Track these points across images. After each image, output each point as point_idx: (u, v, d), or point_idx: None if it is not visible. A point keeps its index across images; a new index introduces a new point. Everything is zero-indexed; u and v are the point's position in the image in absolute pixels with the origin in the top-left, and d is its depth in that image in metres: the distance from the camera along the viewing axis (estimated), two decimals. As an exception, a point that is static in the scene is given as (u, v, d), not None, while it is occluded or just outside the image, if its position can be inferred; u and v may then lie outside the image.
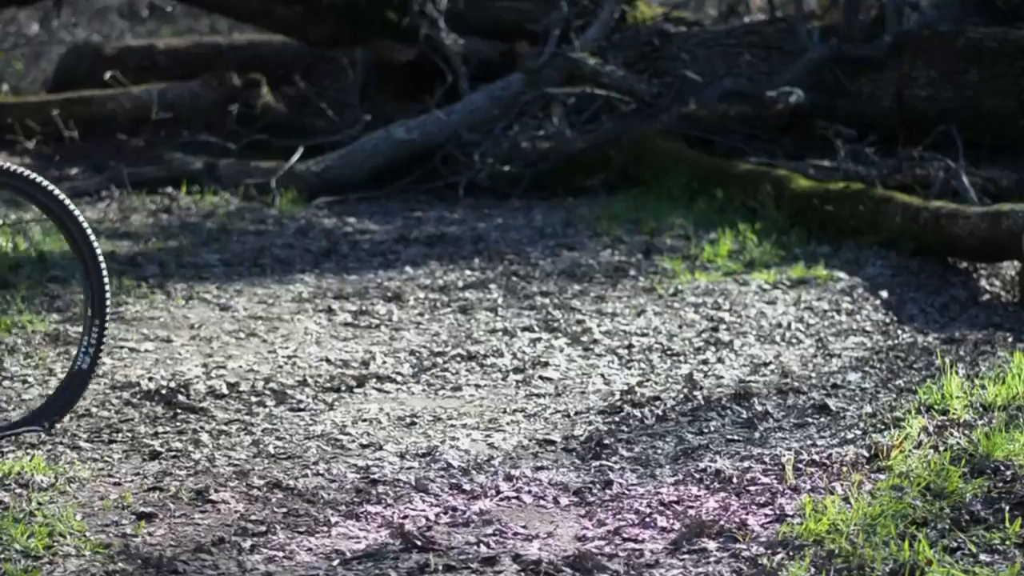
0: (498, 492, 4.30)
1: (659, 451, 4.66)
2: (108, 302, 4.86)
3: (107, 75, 10.54)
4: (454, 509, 4.17)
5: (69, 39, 12.88)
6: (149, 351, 5.72)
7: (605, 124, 9.14)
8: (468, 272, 7.08)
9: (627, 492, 4.29)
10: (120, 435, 4.78)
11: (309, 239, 7.78)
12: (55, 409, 4.85)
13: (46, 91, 11.49)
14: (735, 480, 4.32)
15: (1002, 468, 4.21)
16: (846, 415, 4.93)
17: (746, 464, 4.47)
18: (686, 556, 3.82)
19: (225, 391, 5.21)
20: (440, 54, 9.71)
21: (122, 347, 5.74)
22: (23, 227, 7.71)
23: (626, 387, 5.31)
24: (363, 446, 4.70)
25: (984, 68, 8.62)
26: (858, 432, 4.73)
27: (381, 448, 4.67)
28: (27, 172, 4.74)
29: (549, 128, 9.14)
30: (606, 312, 6.33)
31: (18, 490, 4.23)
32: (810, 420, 4.91)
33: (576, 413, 5.05)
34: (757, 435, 4.78)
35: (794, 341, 5.89)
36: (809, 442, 4.67)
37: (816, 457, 4.49)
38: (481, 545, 3.90)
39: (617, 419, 4.97)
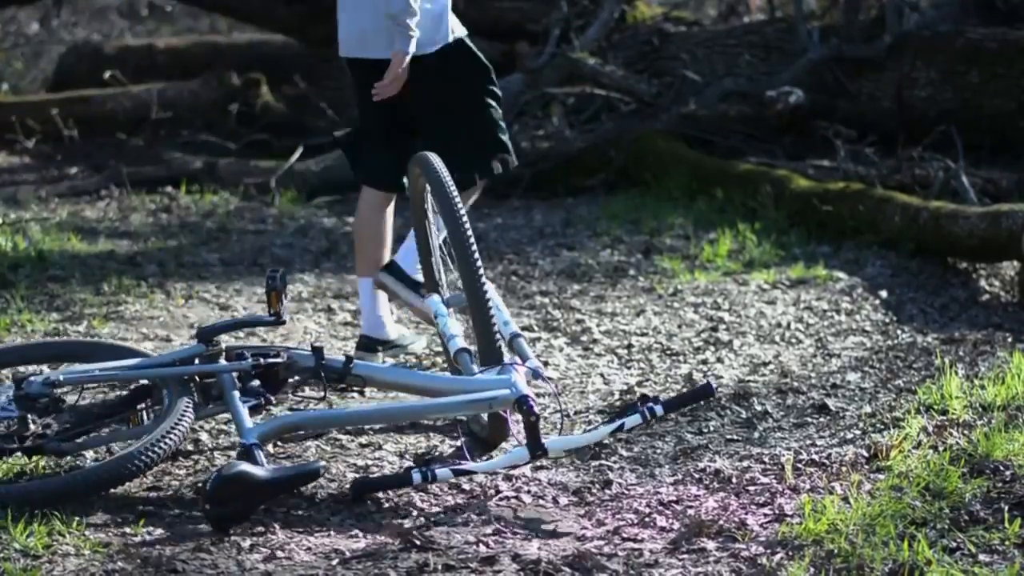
0: (497, 492, 4.30)
1: (658, 451, 4.66)
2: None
3: (107, 74, 10.56)
4: (453, 508, 4.17)
5: (69, 38, 12.91)
6: (149, 350, 5.71)
7: (605, 124, 9.15)
8: (468, 272, 7.07)
9: (626, 492, 4.29)
10: (120, 434, 4.77)
11: (309, 239, 7.79)
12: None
13: (46, 90, 11.51)
14: (734, 480, 4.33)
15: (1001, 468, 4.22)
16: (845, 415, 4.93)
17: (745, 464, 4.47)
18: (685, 556, 3.82)
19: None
20: (440, 54, 9.70)
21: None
22: (23, 226, 7.71)
23: (625, 387, 5.32)
24: (362, 445, 4.70)
25: (984, 69, 8.63)
26: (857, 432, 4.73)
27: (380, 448, 4.68)
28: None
29: (549, 128, 9.15)
30: (605, 312, 6.33)
31: (17, 489, 4.22)
32: (809, 420, 4.91)
33: (575, 413, 5.05)
34: (756, 435, 4.78)
35: (793, 341, 5.89)
36: (808, 442, 4.68)
37: (815, 457, 4.49)
38: (480, 545, 3.91)
39: (616, 419, 4.96)
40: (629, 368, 5.57)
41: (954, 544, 3.78)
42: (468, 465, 4.28)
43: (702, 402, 4.75)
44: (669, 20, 10.01)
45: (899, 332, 6.00)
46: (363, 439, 4.75)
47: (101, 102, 10.40)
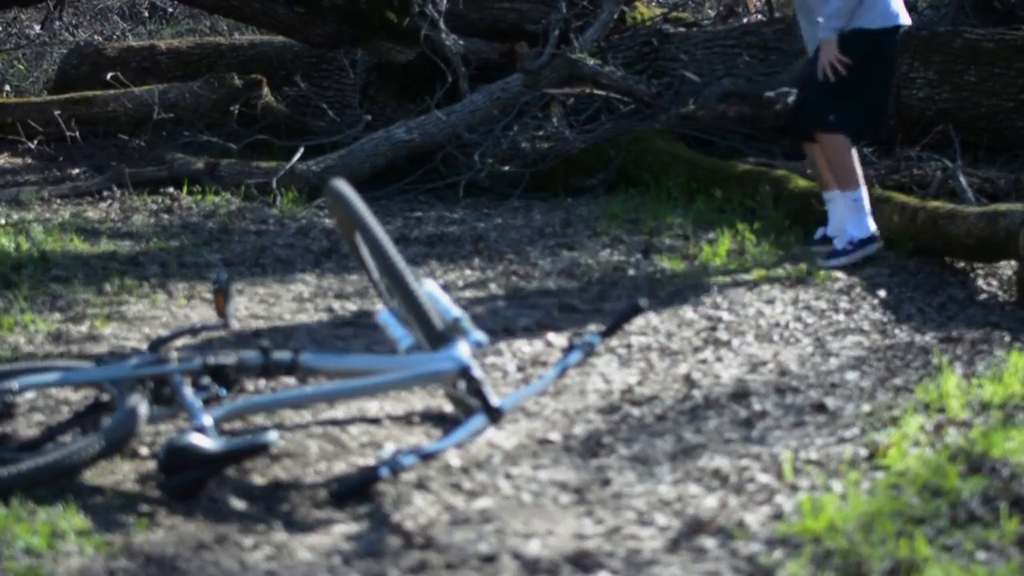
0: (498, 490, 4.32)
1: (658, 450, 4.68)
2: None
3: (109, 75, 10.59)
4: (454, 507, 4.19)
5: (71, 40, 12.93)
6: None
7: (604, 124, 9.17)
8: (468, 272, 7.10)
9: (626, 491, 4.32)
10: (122, 434, 4.79)
11: (310, 239, 7.81)
12: None
13: (48, 91, 11.55)
14: (733, 478, 4.35)
15: (999, 466, 4.24)
16: (844, 414, 4.95)
17: (744, 463, 4.49)
18: (684, 554, 3.85)
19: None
20: (440, 54, 9.74)
21: (124, 347, 5.77)
22: (26, 227, 7.74)
23: (625, 386, 5.33)
24: (363, 445, 4.72)
25: (981, 69, 8.65)
26: (856, 431, 4.75)
27: (382, 447, 4.69)
28: None
29: (549, 128, 9.17)
30: (605, 311, 6.34)
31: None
32: (808, 419, 4.93)
33: (575, 412, 5.06)
34: (755, 434, 4.80)
35: (792, 340, 5.91)
36: (807, 441, 4.69)
37: (814, 455, 4.51)
38: (481, 543, 3.93)
39: (616, 418, 4.99)
40: (629, 367, 5.58)
41: (952, 542, 3.80)
42: (432, 446, 4.38)
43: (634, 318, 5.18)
44: (668, 21, 10.04)
45: (897, 331, 6.02)
46: (365, 438, 4.77)
47: (103, 103, 10.42)
